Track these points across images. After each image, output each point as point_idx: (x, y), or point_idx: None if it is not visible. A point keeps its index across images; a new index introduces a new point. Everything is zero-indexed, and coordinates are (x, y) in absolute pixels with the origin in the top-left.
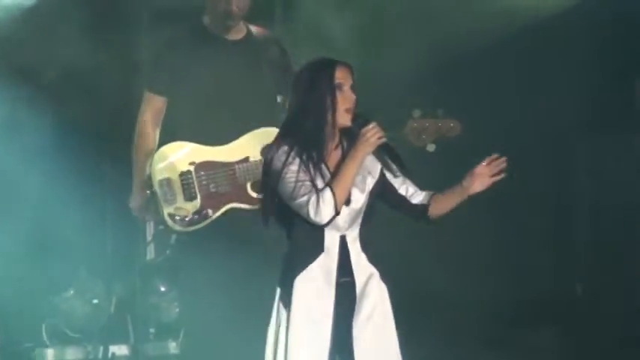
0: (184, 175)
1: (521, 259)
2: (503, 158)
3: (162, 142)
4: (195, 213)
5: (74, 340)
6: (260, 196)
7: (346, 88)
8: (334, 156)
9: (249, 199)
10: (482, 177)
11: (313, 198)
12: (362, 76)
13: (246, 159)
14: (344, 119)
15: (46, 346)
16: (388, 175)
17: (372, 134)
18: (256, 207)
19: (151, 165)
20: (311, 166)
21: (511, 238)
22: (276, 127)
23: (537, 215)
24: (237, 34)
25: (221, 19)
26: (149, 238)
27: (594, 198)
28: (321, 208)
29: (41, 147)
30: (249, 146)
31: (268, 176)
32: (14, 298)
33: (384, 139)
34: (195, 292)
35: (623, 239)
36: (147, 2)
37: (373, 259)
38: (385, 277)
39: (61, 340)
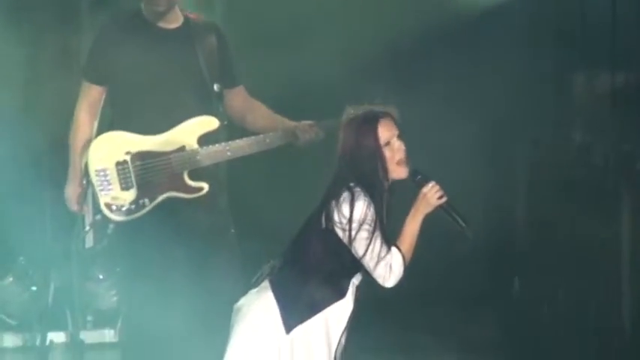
0: (121, 165)
1: (460, 255)
2: None
3: (100, 132)
4: (131, 202)
5: (12, 327)
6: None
7: (393, 140)
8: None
9: (185, 188)
10: None
11: (386, 260)
12: (304, 64)
13: (182, 148)
14: (398, 173)
15: None
16: None
17: (432, 195)
18: (193, 195)
19: (87, 155)
20: (384, 220)
21: (450, 234)
22: (213, 115)
23: (476, 210)
24: (172, 22)
25: (149, 4)
26: (87, 226)
27: (533, 194)
28: (394, 271)
29: None
30: (185, 135)
31: (347, 223)
32: None
33: (444, 199)
34: (133, 280)
35: (560, 233)
36: None
37: None
38: None
39: None
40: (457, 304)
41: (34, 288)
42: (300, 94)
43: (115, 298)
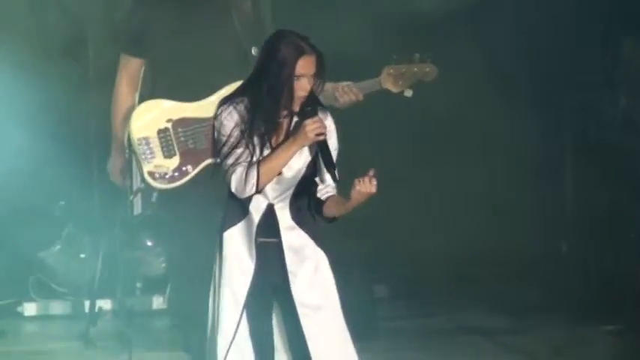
0: (162, 133)
1: (507, 215)
2: (373, 182)
3: (141, 102)
4: (174, 170)
5: (60, 295)
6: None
7: (304, 78)
8: (280, 135)
9: None
10: (360, 194)
11: (240, 169)
12: (341, 24)
13: None
14: (293, 104)
15: (32, 301)
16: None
17: (312, 129)
18: None
19: (129, 125)
20: (255, 137)
21: (497, 194)
22: None
23: (523, 172)
24: None
25: None
26: (132, 194)
27: (579, 156)
28: (243, 183)
29: (28, 104)
30: None
31: (214, 130)
32: (0, 252)
33: (322, 137)
34: (181, 247)
35: (607, 196)
36: None
37: (309, 230)
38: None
39: (47, 294)
40: (507, 268)
41: (82, 255)
42: (338, 55)
43: (163, 265)
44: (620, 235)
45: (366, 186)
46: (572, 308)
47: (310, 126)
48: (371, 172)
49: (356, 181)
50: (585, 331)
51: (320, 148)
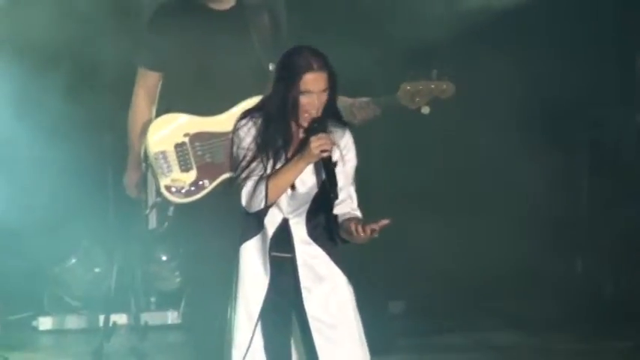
0: (179, 147)
1: (522, 234)
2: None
3: (158, 116)
4: (191, 184)
5: (75, 309)
6: None
7: (310, 94)
8: (295, 148)
9: None
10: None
11: (250, 184)
12: (361, 42)
13: None
14: (300, 120)
15: (47, 315)
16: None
17: (317, 146)
18: None
19: (145, 139)
20: (270, 152)
21: (512, 214)
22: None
23: (538, 190)
24: (225, 3)
25: None
26: (148, 209)
27: (595, 173)
28: (252, 198)
29: (43, 117)
30: None
31: (232, 144)
32: (16, 266)
33: (326, 154)
34: (196, 261)
35: (623, 212)
36: None
37: (325, 247)
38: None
39: (62, 308)
40: (518, 284)
41: (97, 270)
42: (356, 72)
43: (178, 280)
44: (635, 249)
45: (365, 236)
46: (589, 324)
47: (315, 143)
48: (363, 230)
49: (353, 232)
50: (601, 347)
51: (324, 164)
